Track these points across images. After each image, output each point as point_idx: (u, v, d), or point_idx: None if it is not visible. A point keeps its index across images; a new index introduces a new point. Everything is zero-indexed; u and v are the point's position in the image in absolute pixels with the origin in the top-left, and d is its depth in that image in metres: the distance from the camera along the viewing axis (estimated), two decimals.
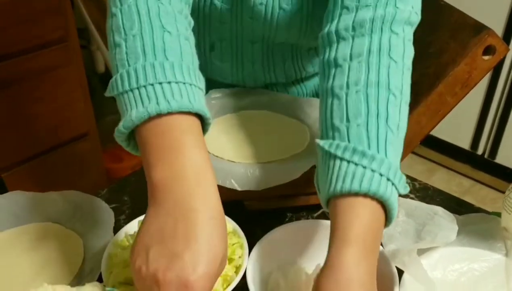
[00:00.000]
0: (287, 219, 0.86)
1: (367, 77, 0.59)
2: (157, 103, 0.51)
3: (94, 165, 1.94)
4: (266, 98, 1.01)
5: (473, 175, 2.49)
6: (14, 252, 0.79)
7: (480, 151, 2.39)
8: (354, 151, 0.56)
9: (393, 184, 0.55)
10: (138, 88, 0.53)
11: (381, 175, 0.54)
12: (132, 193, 0.93)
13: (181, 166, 0.51)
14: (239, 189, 0.78)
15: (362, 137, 0.57)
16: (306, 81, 1.04)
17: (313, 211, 0.88)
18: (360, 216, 0.53)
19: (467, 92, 0.78)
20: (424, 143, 2.57)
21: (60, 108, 1.80)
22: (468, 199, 2.45)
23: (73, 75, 1.80)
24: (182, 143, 0.52)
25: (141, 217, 0.75)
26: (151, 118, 0.52)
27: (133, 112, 0.52)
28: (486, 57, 0.76)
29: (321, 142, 0.61)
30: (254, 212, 0.84)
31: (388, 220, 0.56)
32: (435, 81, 0.78)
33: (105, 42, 0.73)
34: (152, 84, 0.52)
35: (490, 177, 2.41)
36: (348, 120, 0.58)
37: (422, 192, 0.93)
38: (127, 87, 0.53)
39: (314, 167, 0.80)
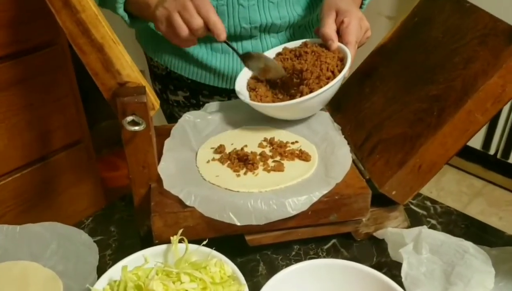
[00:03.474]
0: (293, 253, 0.76)
1: None
2: None
3: (88, 175, 1.84)
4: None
5: (485, 176, 2.38)
6: None
7: (492, 151, 2.28)
8: None
9: None
10: None
11: None
12: (120, 221, 0.84)
13: None
14: (238, 224, 0.68)
15: None
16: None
17: (322, 243, 0.78)
18: None
19: (500, 109, 0.68)
20: None
21: (50, 115, 1.70)
22: (480, 200, 2.33)
23: (63, 80, 1.69)
24: None
25: (126, 260, 0.65)
26: None
27: None
28: None
29: None
30: (257, 247, 0.74)
31: None
32: (462, 96, 0.68)
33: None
34: None
35: (503, 177, 2.31)
36: None
37: (445, 217, 0.83)
38: None
39: (324, 197, 0.70)
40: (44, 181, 1.72)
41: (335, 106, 0.90)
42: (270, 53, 0.90)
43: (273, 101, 0.84)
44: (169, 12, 0.79)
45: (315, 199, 0.70)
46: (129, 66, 0.68)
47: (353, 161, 0.78)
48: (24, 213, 1.71)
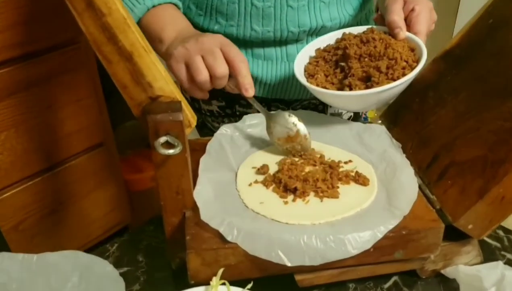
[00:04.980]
0: None
1: None
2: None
3: (111, 178, 1.76)
4: (314, 122, 0.81)
5: None
6: None
7: None
8: None
9: None
10: None
11: None
12: (149, 250, 0.74)
13: (181, 26, 0.76)
14: (289, 264, 0.58)
15: None
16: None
17: (382, 280, 0.67)
18: None
19: None
20: None
21: (72, 117, 1.62)
22: None
23: (86, 80, 1.61)
24: (176, 16, 0.77)
25: None
26: (148, 10, 0.76)
27: (135, 10, 0.75)
28: None
29: None
30: (308, 287, 0.64)
31: None
32: None
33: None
34: None
35: None
36: None
37: None
38: None
39: (390, 232, 0.60)
40: (65, 185, 1.65)
41: (391, 119, 0.79)
42: (328, 39, 0.82)
43: None
44: (190, 53, 0.68)
45: (380, 236, 0.59)
46: (162, 78, 0.59)
47: (419, 186, 0.67)
48: (45, 218, 1.64)
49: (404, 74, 0.71)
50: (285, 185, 0.66)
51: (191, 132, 0.63)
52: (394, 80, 0.71)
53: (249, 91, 0.69)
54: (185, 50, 0.69)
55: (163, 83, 0.59)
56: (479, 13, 0.74)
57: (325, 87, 0.75)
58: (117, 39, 0.55)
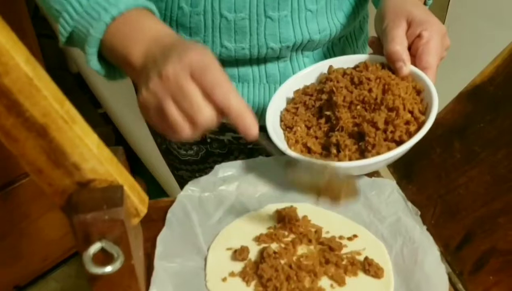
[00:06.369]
0: None
1: None
2: (106, 11, 0.54)
3: None
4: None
5: None
6: None
7: None
8: None
9: None
10: (85, 11, 0.54)
11: None
12: None
13: (149, 39, 0.54)
14: None
15: None
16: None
17: None
18: None
19: None
20: None
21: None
22: None
23: None
24: (142, 24, 0.55)
25: None
26: (108, 26, 0.54)
27: (92, 31, 0.54)
28: None
29: None
30: None
31: None
32: None
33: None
34: (95, 1, 0.54)
35: None
36: None
37: None
38: (75, 16, 0.55)
39: None
40: (17, 206, 1.49)
41: (404, 172, 0.63)
42: (309, 73, 0.64)
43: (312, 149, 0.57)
44: (158, 100, 0.49)
45: None
46: (94, 156, 0.40)
47: (448, 276, 0.51)
48: None
49: (408, 132, 0.52)
50: (270, 281, 0.49)
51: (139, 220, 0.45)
52: (395, 140, 0.53)
53: (251, 131, 0.49)
54: (150, 96, 0.49)
55: (95, 162, 0.41)
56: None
57: (306, 144, 0.57)
58: (22, 108, 0.37)
